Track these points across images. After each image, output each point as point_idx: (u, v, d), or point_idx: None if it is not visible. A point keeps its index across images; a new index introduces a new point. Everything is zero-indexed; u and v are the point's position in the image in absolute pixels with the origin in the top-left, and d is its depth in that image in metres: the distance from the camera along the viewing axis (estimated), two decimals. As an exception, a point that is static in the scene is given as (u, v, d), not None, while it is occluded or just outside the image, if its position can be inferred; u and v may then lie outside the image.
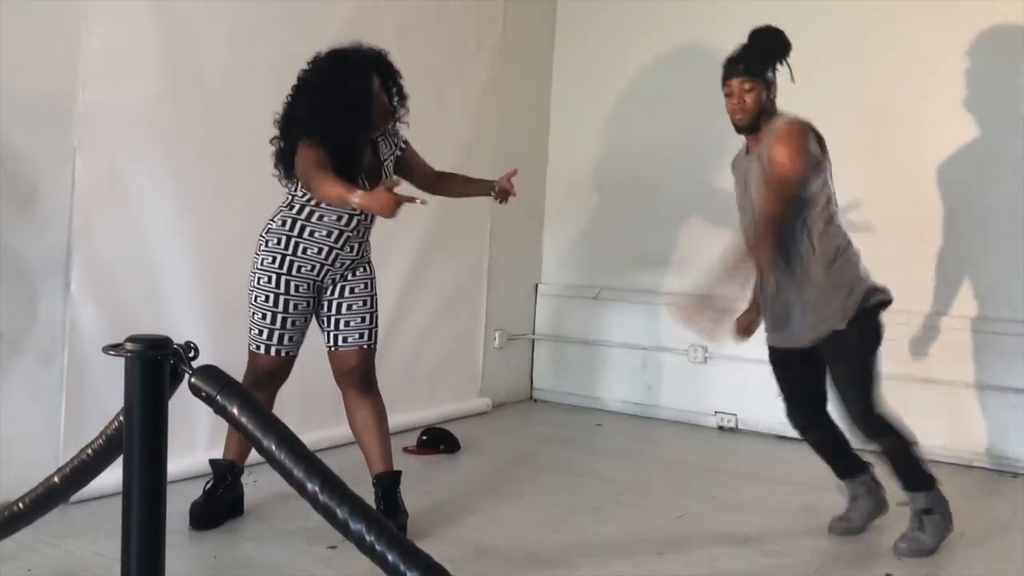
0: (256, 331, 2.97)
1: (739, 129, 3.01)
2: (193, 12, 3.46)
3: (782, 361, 3.13)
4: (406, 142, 3.15)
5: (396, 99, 3.01)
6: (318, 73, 2.91)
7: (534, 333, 5.45)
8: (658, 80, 5.07)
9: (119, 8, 3.24)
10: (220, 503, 3.07)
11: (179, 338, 1.62)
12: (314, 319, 3.06)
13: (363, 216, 2.96)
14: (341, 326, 3.03)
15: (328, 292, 3.03)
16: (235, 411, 1.50)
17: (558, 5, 5.43)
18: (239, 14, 3.61)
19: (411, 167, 3.17)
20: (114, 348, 1.55)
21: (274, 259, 2.93)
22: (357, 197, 2.61)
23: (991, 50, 4.21)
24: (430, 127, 4.56)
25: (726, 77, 2.98)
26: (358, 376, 3.04)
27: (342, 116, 2.83)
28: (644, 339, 5.08)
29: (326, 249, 2.95)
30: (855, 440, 3.08)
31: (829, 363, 3.02)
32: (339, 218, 2.94)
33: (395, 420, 4.11)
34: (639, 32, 5.11)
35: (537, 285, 5.48)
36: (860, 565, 2.98)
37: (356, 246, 3.02)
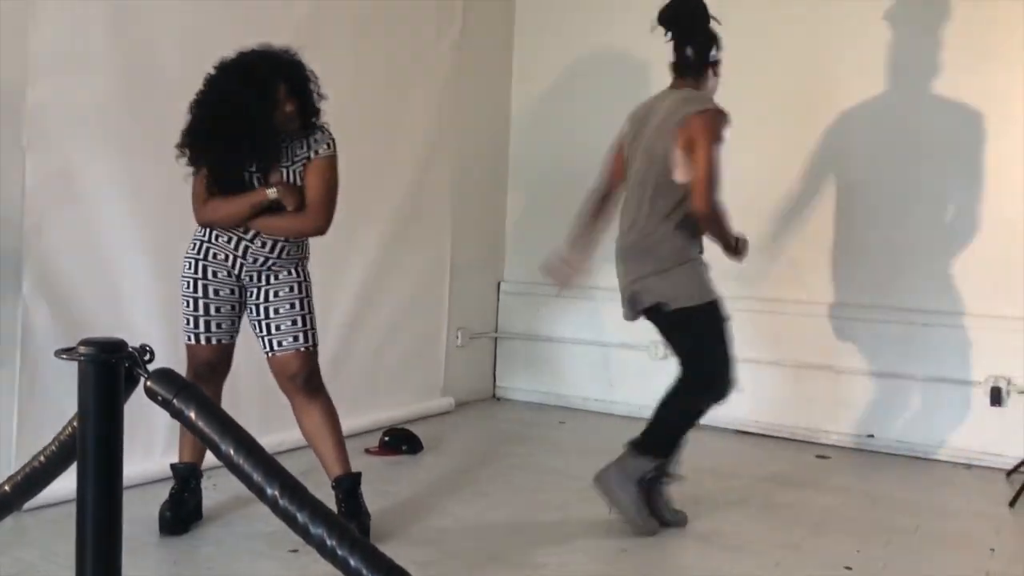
0: (185, 321, 2.99)
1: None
2: (145, 8, 3.40)
3: None
4: (308, 159, 2.93)
5: (309, 103, 2.93)
6: (221, 80, 2.87)
7: (497, 331, 5.44)
8: (617, 78, 5.08)
9: (68, 4, 3.18)
10: (186, 507, 3.05)
11: (135, 340, 1.58)
12: (250, 328, 3.03)
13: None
14: (272, 330, 2.98)
15: (252, 296, 3.00)
16: (192, 415, 1.48)
17: (516, 4, 5.42)
18: (193, 10, 3.55)
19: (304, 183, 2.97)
20: (67, 352, 1.51)
21: (193, 245, 2.99)
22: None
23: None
24: (390, 124, 4.56)
25: None
26: (301, 381, 2.98)
27: (238, 130, 2.82)
28: (606, 336, 5.09)
29: (235, 239, 2.95)
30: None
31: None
32: None
33: (357, 421, 4.11)
34: (598, 31, 5.11)
35: (499, 283, 5.47)
36: (819, 560, 3.02)
37: (269, 243, 2.96)
